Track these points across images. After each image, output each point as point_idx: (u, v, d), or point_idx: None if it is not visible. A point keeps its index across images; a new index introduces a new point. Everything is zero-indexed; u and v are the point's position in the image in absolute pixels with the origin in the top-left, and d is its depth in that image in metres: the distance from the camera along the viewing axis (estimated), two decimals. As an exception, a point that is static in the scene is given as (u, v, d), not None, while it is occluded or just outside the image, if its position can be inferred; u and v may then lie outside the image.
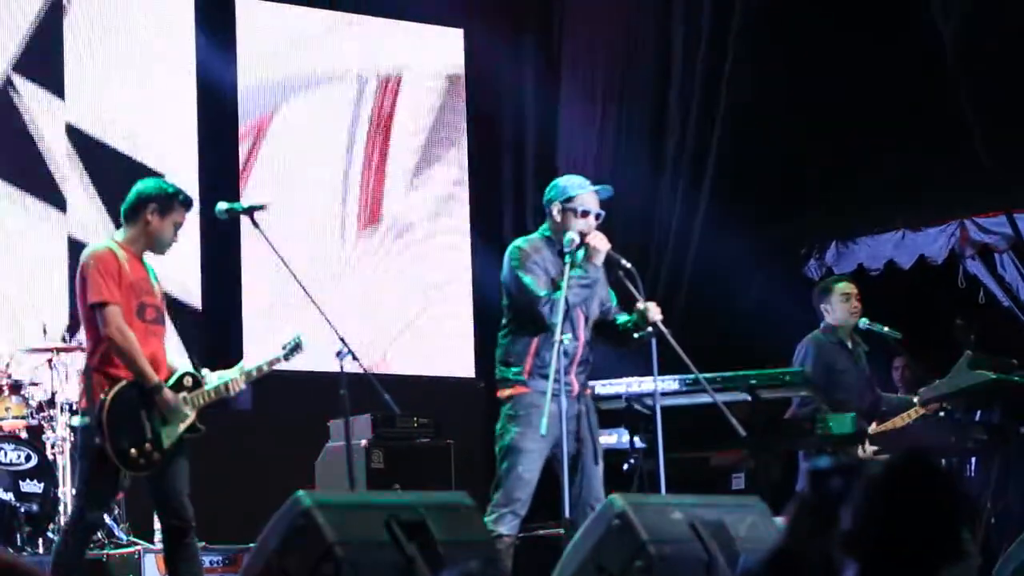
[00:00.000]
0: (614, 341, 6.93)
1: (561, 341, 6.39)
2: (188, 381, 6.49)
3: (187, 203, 6.57)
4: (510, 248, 6.81)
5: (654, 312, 6.64)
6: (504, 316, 6.87)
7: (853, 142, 10.72)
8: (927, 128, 10.54)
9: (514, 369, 6.71)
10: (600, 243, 6.68)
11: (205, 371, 6.60)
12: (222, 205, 7.02)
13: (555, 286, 6.62)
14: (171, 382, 6.43)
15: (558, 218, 6.75)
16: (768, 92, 10.84)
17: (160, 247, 6.52)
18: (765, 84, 10.86)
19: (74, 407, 8.60)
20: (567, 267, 6.57)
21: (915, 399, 8.54)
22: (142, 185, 6.59)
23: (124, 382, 6.28)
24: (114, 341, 6.28)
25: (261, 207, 7.04)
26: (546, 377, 6.46)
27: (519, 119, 11.90)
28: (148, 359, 6.35)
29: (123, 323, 6.28)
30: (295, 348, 6.77)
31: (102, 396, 6.24)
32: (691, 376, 7.77)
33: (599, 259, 6.70)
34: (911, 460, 2.96)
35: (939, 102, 10.30)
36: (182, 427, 6.40)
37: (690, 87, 11.21)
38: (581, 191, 6.79)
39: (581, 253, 6.69)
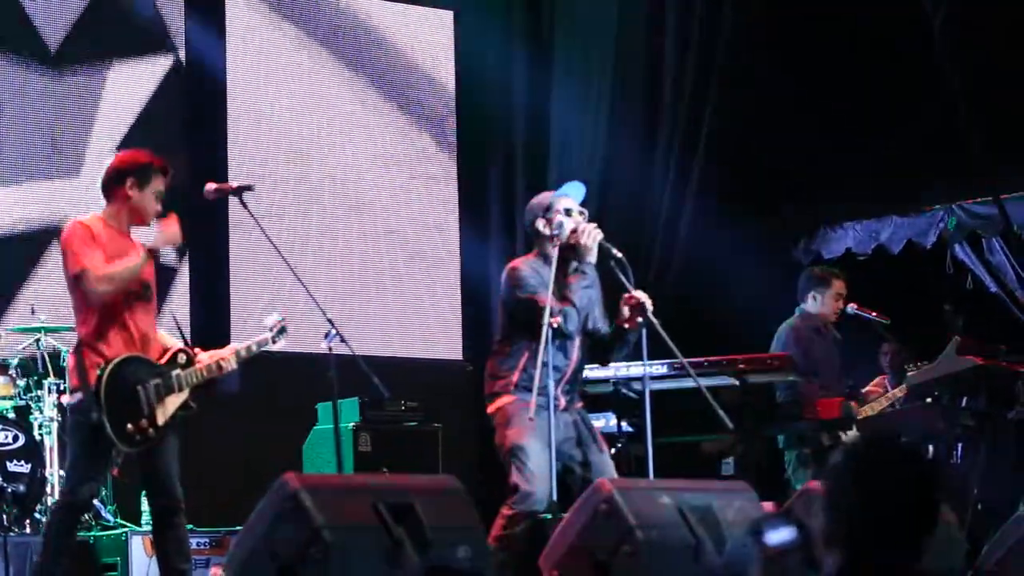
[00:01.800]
0: (606, 346, 6.91)
1: (551, 325, 6.39)
2: (182, 358, 6.49)
3: (164, 170, 6.51)
4: (508, 270, 6.81)
5: (644, 297, 6.63)
6: (499, 335, 6.87)
7: (842, 127, 10.72)
8: (916, 113, 10.54)
9: (500, 383, 6.72)
10: (589, 239, 6.67)
11: (196, 350, 6.60)
12: (211, 186, 7.00)
13: (559, 299, 6.62)
14: (166, 358, 6.43)
15: (546, 231, 6.75)
16: (757, 79, 10.84)
17: (145, 218, 6.48)
18: (755, 71, 10.86)
19: (62, 387, 8.62)
20: (555, 251, 6.56)
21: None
22: (117, 160, 6.56)
23: (119, 358, 6.27)
24: (107, 290, 6.26)
25: (249, 188, 7.03)
26: (531, 390, 6.45)
27: (509, 101, 11.87)
28: (138, 336, 6.35)
29: (101, 274, 6.24)
30: (281, 331, 6.79)
31: (98, 371, 6.22)
32: (679, 362, 7.79)
33: (592, 256, 6.70)
34: (870, 441, 2.99)
35: (928, 88, 10.30)
36: (175, 404, 6.40)
37: (682, 75, 11.20)
38: (555, 197, 6.84)
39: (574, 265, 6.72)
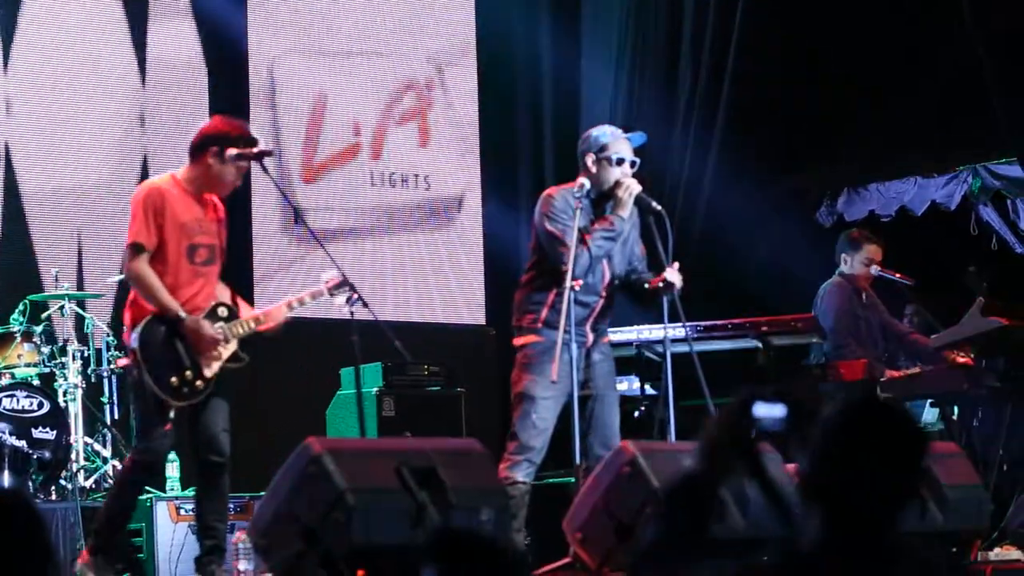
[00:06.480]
0: (637, 300, 6.95)
1: (572, 288, 6.38)
2: (222, 311, 6.48)
3: (251, 142, 6.47)
4: (543, 196, 6.80)
5: (676, 278, 6.63)
6: (529, 260, 6.86)
7: (865, 88, 10.66)
8: (940, 74, 10.47)
9: (529, 317, 6.71)
10: (624, 192, 6.66)
11: (246, 306, 6.61)
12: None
13: (580, 242, 6.61)
14: (204, 314, 6.42)
15: (593, 168, 6.75)
16: (778, 39, 10.76)
17: (220, 189, 6.49)
18: (775, 32, 10.78)
19: (86, 354, 8.71)
20: (577, 214, 6.55)
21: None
22: (208, 124, 6.54)
23: (151, 315, 6.27)
24: (133, 281, 6.30)
25: (270, 153, 7.03)
26: (559, 328, 6.45)
27: (534, 66, 11.80)
28: (192, 299, 6.32)
29: (145, 267, 6.25)
30: (340, 286, 6.65)
31: (135, 330, 6.26)
32: (702, 324, 7.79)
33: (625, 210, 6.68)
34: (866, 401, 2.99)
35: (952, 47, 10.23)
36: (224, 355, 6.39)
37: (701, 33, 11.13)
38: (614, 139, 6.79)
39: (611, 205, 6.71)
